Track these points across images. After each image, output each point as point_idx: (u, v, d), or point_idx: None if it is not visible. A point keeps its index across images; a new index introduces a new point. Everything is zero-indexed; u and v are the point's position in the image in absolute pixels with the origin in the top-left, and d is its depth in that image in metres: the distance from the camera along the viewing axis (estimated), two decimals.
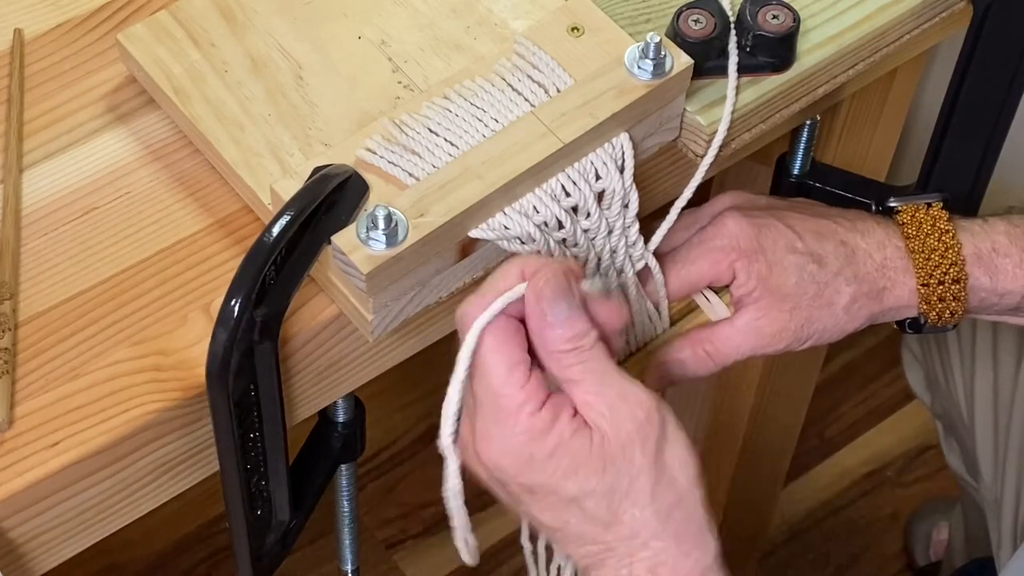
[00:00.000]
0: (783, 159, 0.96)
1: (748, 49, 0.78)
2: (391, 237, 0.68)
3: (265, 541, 0.80)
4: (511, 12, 0.80)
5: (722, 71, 0.78)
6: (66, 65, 0.81)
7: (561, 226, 0.74)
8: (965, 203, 0.95)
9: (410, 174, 0.71)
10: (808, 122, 0.93)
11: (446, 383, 0.77)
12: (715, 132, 0.78)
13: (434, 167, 0.71)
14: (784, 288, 0.80)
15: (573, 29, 0.76)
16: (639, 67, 0.74)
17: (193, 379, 0.71)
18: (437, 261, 0.72)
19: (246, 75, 0.78)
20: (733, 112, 0.78)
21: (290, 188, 0.69)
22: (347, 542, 0.98)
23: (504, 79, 0.74)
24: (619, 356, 0.82)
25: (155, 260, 0.75)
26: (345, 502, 0.95)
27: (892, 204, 0.87)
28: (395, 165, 0.71)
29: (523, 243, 0.73)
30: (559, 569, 0.78)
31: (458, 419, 0.69)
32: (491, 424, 0.67)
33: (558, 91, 0.74)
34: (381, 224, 0.68)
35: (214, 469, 0.75)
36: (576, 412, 0.67)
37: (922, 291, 0.83)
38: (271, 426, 0.73)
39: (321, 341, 0.74)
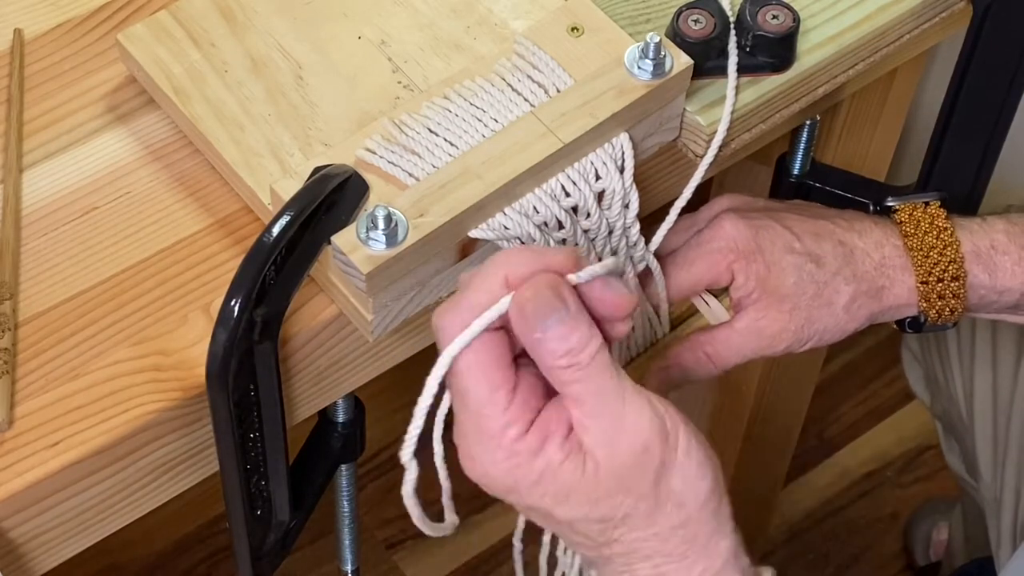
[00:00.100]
0: (783, 159, 0.96)
1: (748, 49, 0.78)
2: (391, 237, 0.68)
3: (265, 541, 0.80)
4: (511, 12, 0.80)
5: (722, 71, 0.78)
6: (66, 65, 0.81)
7: (561, 226, 0.74)
8: (965, 203, 0.95)
9: (410, 174, 0.71)
10: (808, 122, 0.93)
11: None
12: (715, 132, 0.78)
13: (434, 167, 0.71)
14: (783, 289, 0.80)
15: (573, 29, 0.76)
16: (639, 67, 0.74)
17: (193, 379, 0.71)
18: (437, 261, 0.72)
19: (246, 75, 0.78)
20: (733, 112, 0.78)
21: (290, 188, 0.69)
22: (347, 542, 0.98)
23: (504, 79, 0.74)
24: (621, 360, 0.83)
25: (155, 260, 0.75)
26: (345, 502, 0.95)
27: (890, 203, 0.87)
28: (395, 165, 0.71)
29: (523, 243, 0.73)
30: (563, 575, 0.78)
31: (417, 441, 0.66)
32: (473, 444, 0.63)
33: (558, 91, 0.74)
34: (381, 224, 0.68)
35: (214, 469, 0.75)
36: (570, 432, 0.62)
37: (921, 289, 0.83)
38: (271, 426, 0.73)
39: (321, 341, 0.74)
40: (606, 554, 0.66)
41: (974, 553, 1.38)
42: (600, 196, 0.75)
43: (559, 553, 0.78)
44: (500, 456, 0.62)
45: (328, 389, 0.77)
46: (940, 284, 0.83)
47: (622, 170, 0.75)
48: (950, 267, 0.83)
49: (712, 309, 0.83)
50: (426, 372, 0.65)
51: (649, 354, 0.83)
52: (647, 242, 0.78)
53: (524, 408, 0.62)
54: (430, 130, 0.73)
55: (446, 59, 0.79)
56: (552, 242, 0.73)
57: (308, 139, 0.76)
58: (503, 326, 0.62)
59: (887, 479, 1.74)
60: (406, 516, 0.70)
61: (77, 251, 0.75)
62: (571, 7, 0.76)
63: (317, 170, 0.70)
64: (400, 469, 0.68)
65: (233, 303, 0.65)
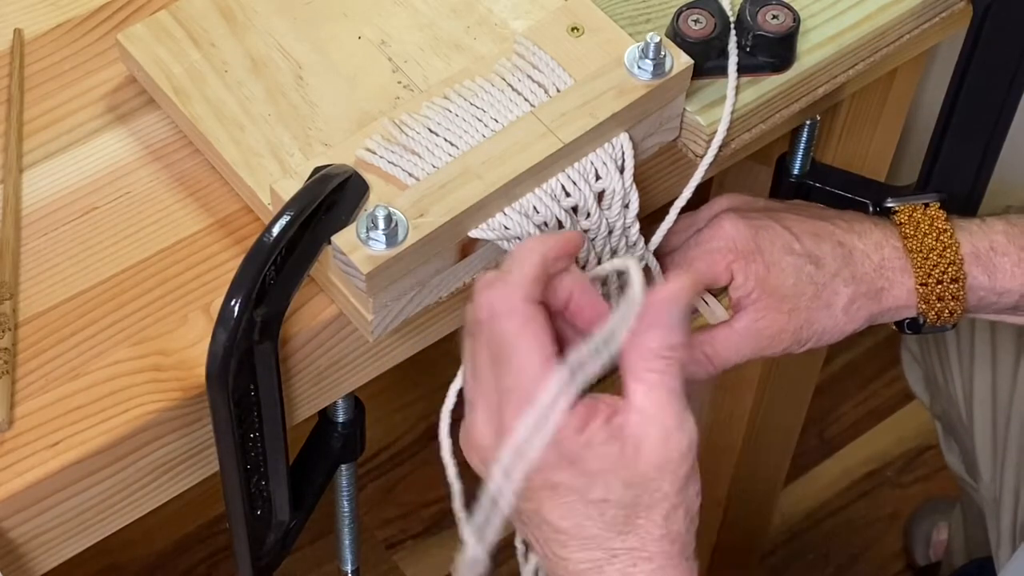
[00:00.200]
0: (783, 159, 0.96)
1: (748, 49, 0.78)
2: (391, 237, 0.68)
3: (265, 541, 0.80)
4: (511, 12, 0.80)
5: (722, 71, 0.78)
6: (66, 65, 0.81)
7: (561, 226, 0.74)
8: (965, 203, 0.95)
9: (410, 174, 0.71)
10: (808, 122, 0.93)
11: (446, 383, 0.77)
12: (715, 132, 0.78)
13: (434, 167, 0.71)
14: (782, 289, 0.80)
15: (573, 29, 0.76)
16: (639, 67, 0.74)
17: (193, 379, 0.71)
18: (437, 261, 0.72)
19: (246, 75, 0.78)
20: (733, 112, 0.78)
21: (290, 188, 0.69)
22: (347, 542, 0.98)
23: (504, 79, 0.74)
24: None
25: (155, 260, 0.75)
26: (345, 502, 0.95)
27: (889, 205, 0.87)
28: (395, 165, 0.71)
29: None
30: None
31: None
32: (511, 417, 0.64)
33: (558, 91, 0.74)
34: (381, 224, 0.68)
35: (214, 469, 0.75)
36: (609, 419, 0.65)
37: (921, 290, 0.83)
38: (271, 426, 0.73)
39: (321, 341, 0.74)
40: (616, 549, 0.67)
41: (974, 553, 1.38)
42: (600, 196, 0.75)
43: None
44: (544, 434, 0.64)
45: (328, 389, 0.77)
46: (939, 286, 0.83)
47: (622, 170, 0.75)
48: (949, 269, 0.83)
49: (711, 309, 0.83)
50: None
51: None
52: (647, 242, 0.78)
53: (571, 385, 0.65)
54: (430, 130, 0.73)
55: (446, 59, 0.79)
56: None
57: (308, 139, 0.76)
58: (543, 301, 0.66)
59: (887, 479, 1.74)
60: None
61: (77, 251, 0.75)
62: (571, 7, 0.77)
63: (317, 170, 0.70)
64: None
65: (233, 303, 0.65)
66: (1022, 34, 0.88)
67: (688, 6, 0.78)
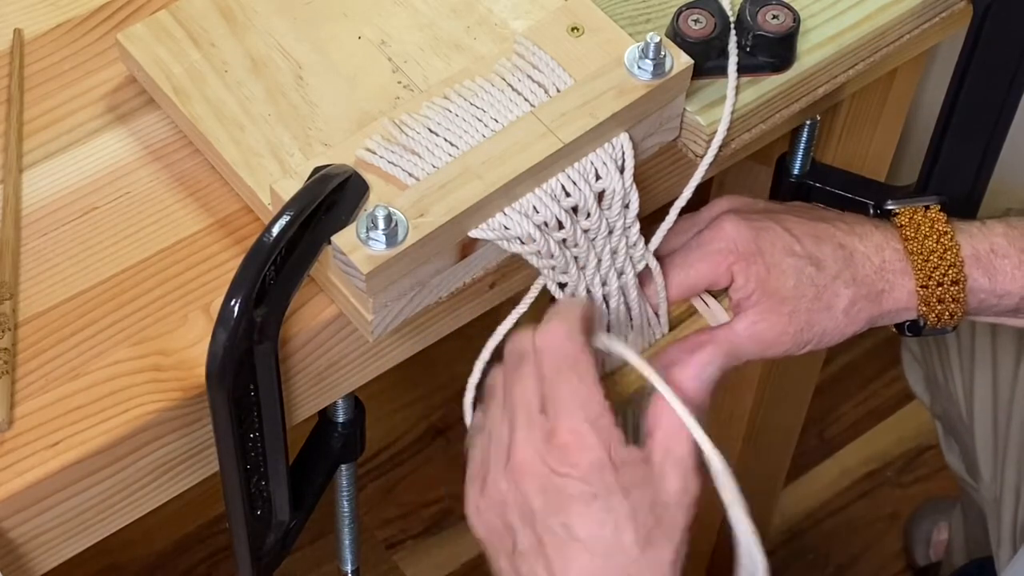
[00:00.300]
0: (783, 159, 0.96)
1: (748, 49, 0.78)
2: (391, 237, 0.68)
3: (265, 541, 0.80)
4: (511, 12, 0.80)
5: (722, 71, 0.78)
6: (66, 65, 0.81)
7: (561, 226, 0.74)
8: (965, 203, 0.95)
9: (410, 174, 0.71)
10: (808, 122, 0.93)
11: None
12: (715, 132, 0.78)
13: (434, 167, 0.71)
14: (783, 291, 0.80)
15: (573, 29, 0.76)
16: (639, 67, 0.74)
17: (193, 379, 0.71)
18: (437, 261, 0.72)
19: (246, 75, 0.78)
20: (733, 112, 0.78)
21: (290, 188, 0.69)
22: (347, 542, 0.98)
23: (504, 79, 0.74)
24: (620, 362, 0.82)
25: (155, 260, 0.75)
26: (345, 502, 0.95)
27: (890, 207, 0.87)
28: (395, 165, 0.71)
29: (523, 243, 0.73)
30: None
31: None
32: (579, 422, 0.69)
33: (558, 91, 0.74)
34: (381, 224, 0.68)
35: (214, 469, 0.75)
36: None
37: (921, 293, 0.83)
38: (271, 426, 0.73)
39: (321, 341, 0.74)
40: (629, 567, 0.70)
41: (974, 553, 1.38)
42: (600, 196, 0.75)
43: None
44: (603, 434, 0.69)
45: (328, 389, 0.77)
46: (940, 288, 0.83)
47: (622, 170, 0.75)
48: (950, 271, 0.83)
49: (711, 310, 0.83)
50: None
51: (648, 354, 0.83)
52: (647, 242, 0.78)
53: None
54: (430, 130, 0.73)
55: (446, 59, 0.79)
56: (552, 242, 0.73)
57: (308, 139, 0.76)
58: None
59: (887, 479, 1.74)
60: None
61: (77, 251, 0.75)
62: (571, 7, 0.77)
63: (317, 170, 0.70)
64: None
65: (233, 303, 0.65)
66: (1022, 34, 0.88)
67: (688, 6, 0.78)
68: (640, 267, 0.79)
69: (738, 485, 0.72)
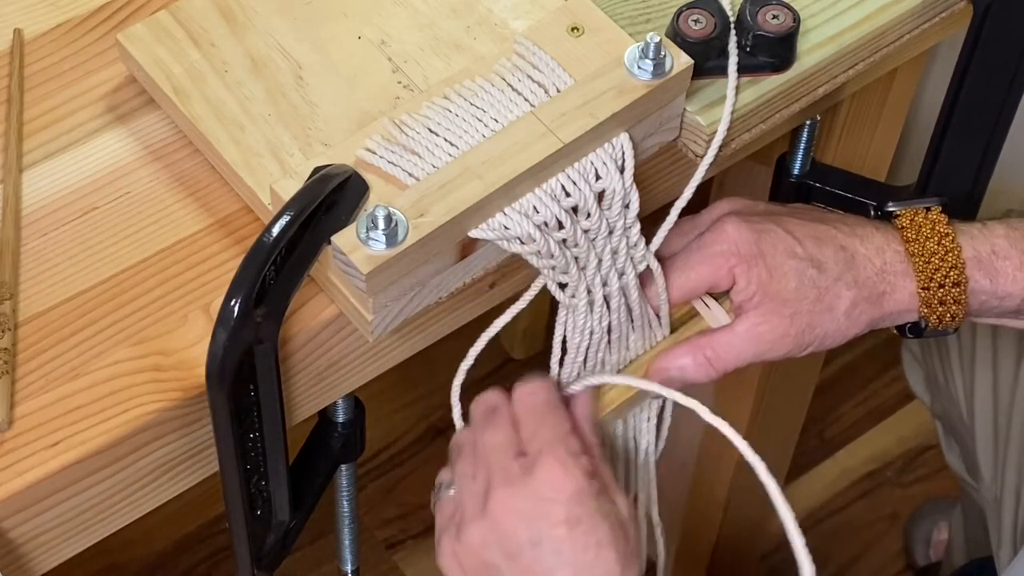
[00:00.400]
0: (783, 159, 0.96)
1: (748, 49, 0.78)
2: (391, 237, 0.68)
3: (265, 541, 0.80)
4: (511, 12, 0.80)
5: (722, 71, 0.78)
6: (66, 65, 0.81)
7: (561, 226, 0.74)
8: (965, 203, 0.95)
9: (410, 174, 0.71)
10: (808, 122, 0.93)
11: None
12: (715, 132, 0.78)
13: (434, 167, 0.71)
14: (784, 293, 0.80)
15: (573, 29, 0.76)
16: (639, 67, 0.74)
17: (193, 379, 0.71)
18: (437, 261, 0.72)
19: (246, 75, 0.78)
20: (733, 112, 0.78)
21: (290, 188, 0.69)
22: (347, 542, 0.98)
23: (504, 79, 0.74)
24: (622, 363, 0.83)
25: (155, 260, 0.75)
26: (345, 502, 0.95)
27: (891, 208, 0.87)
28: (395, 165, 0.71)
29: (523, 243, 0.73)
30: None
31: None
32: (563, 453, 0.73)
33: (558, 91, 0.74)
34: (381, 224, 0.68)
35: (214, 469, 0.75)
36: None
37: (922, 294, 0.83)
38: (271, 426, 0.73)
39: (321, 341, 0.74)
40: None
41: (974, 553, 1.38)
42: (600, 196, 0.75)
43: None
44: (581, 470, 0.73)
45: (328, 389, 0.77)
46: (941, 290, 0.83)
47: (622, 170, 0.75)
48: (951, 273, 0.83)
49: (712, 312, 0.83)
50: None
51: (649, 356, 0.83)
52: (647, 243, 0.78)
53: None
54: (430, 130, 0.73)
55: (446, 59, 0.79)
56: (552, 242, 0.73)
57: (308, 139, 0.76)
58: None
59: (887, 479, 1.74)
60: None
61: (77, 251, 0.75)
62: (571, 7, 0.76)
63: (317, 170, 0.70)
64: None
65: (233, 303, 0.65)
66: (1022, 34, 0.88)
67: (688, 6, 0.78)
68: (641, 267, 0.79)
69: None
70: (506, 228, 0.72)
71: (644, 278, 0.80)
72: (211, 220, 0.76)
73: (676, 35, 0.77)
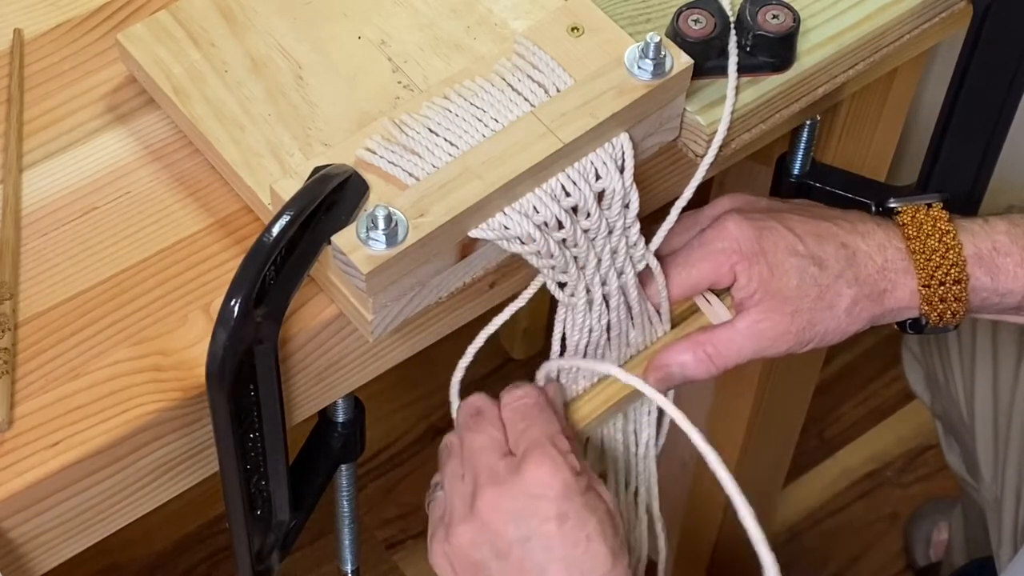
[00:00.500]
0: (783, 159, 0.96)
1: (748, 49, 0.78)
2: (391, 237, 0.68)
3: (265, 541, 0.80)
4: (511, 12, 0.80)
5: (722, 71, 0.78)
6: (66, 65, 0.81)
7: (561, 226, 0.74)
8: (965, 203, 0.95)
9: (410, 174, 0.71)
10: (808, 122, 0.93)
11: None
12: (715, 132, 0.78)
13: (434, 167, 0.71)
14: (785, 291, 0.80)
15: (573, 29, 0.76)
16: (639, 67, 0.74)
17: (193, 379, 0.71)
18: (437, 261, 0.72)
19: (246, 75, 0.78)
20: (733, 112, 0.78)
21: (290, 188, 0.69)
22: (347, 542, 0.98)
23: (504, 79, 0.74)
24: (622, 359, 0.83)
25: (155, 260, 0.75)
26: (345, 502, 0.95)
27: (892, 205, 0.87)
28: (395, 165, 0.71)
29: (523, 243, 0.73)
30: None
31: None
32: (552, 451, 0.74)
33: (558, 91, 0.74)
34: (381, 224, 0.68)
35: (214, 469, 0.75)
36: None
37: (923, 292, 0.83)
38: (271, 426, 0.73)
39: (321, 341, 0.74)
40: None
41: (974, 553, 1.38)
42: (600, 196, 0.75)
43: None
44: (569, 466, 0.74)
45: (328, 389, 0.77)
46: (942, 287, 0.83)
47: (622, 170, 0.75)
48: (952, 270, 0.83)
49: (713, 308, 0.83)
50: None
51: (649, 352, 0.83)
52: (648, 242, 0.78)
53: None
54: (430, 130, 0.73)
55: (446, 59, 0.79)
56: (552, 242, 0.73)
57: (308, 139, 0.76)
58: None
59: (887, 479, 1.74)
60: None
61: (77, 251, 0.75)
62: (571, 7, 0.76)
63: (317, 170, 0.70)
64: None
65: (233, 303, 0.65)
66: (1022, 34, 0.88)
67: (688, 6, 0.78)
68: (640, 267, 0.79)
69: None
70: (506, 228, 0.72)
71: (644, 276, 0.80)
72: (211, 220, 0.76)
73: (676, 35, 0.77)
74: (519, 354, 1.72)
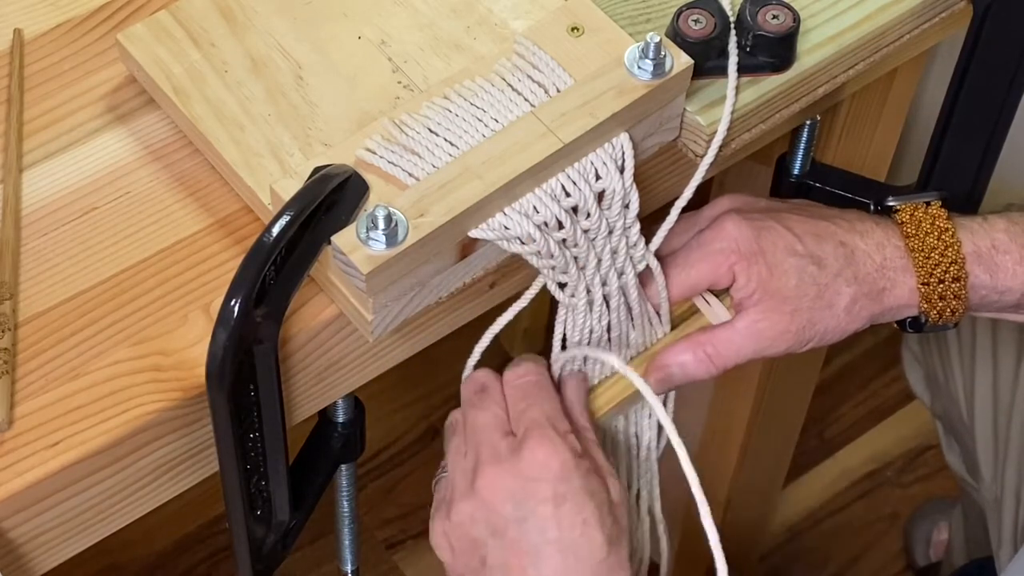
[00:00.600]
0: (783, 159, 0.96)
1: (748, 49, 0.78)
2: (391, 237, 0.68)
3: (265, 541, 0.80)
4: (511, 12, 0.80)
5: (722, 71, 0.78)
6: (66, 65, 0.81)
7: (561, 226, 0.74)
8: (965, 203, 0.95)
9: (410, 174, 0.71)
10: (808, 122, 0.93)
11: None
12: (715, 132, 0.78)
13: (434, 167, 0.71)
14: (784, 291, 0.80)
15: (573, 29, 0.76)
16: (639, 67, 0.74)
17: (193, 379, 0.71)
18: (437, 261, 0.72)
19: (246, 75, 0.78)
20: (733, 112, 0.78)
21: (290, 188, 0.69)
22: (347, 542, 0.98)
23: (504, 79, 0.74)
24: (622, 360, 0.83)
25: (155, 260, 0.75)
26: (345, 502, 0.95)
27: (891, 203, 0.87)
28: (395, 165, 0.71)
29: (523, 243, 0.73)
30: None
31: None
32: (551, 432, 0.74)
33: (558, 91, 0.74)
34: (381, 224, 0.68)
35: (214, 469, 0.75)
36: None
37: (922, 290, 0.83)
38: (271, 426, 0.73)
39: (321, 341, 0.74)
40: None
41: (974, 553, 1.38)
42: (600, 196, 0.75)
43: None
44: (568, 445, 0.74)
45: (328, 389, 0.77)
46: (941, 285, 0.83)
47: (622, 170, 0.75)
48: (951, 268, 0.83)
49: (713, 308, 0.83)
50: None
51: (649, 353, 0.83)
52: (647, 242, 0.78)
53: None
54: (430, 130, 0.73)
55: (446, 59, 0.79)
56: (552, 242, 0.73)
57: (308, 139, 0.76)
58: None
59: (887, 479, 1.74)
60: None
61: (77, 251, 0.75)
62: (571, 7, 0.76)
63: (317, 170, 0.70)
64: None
65: (233, 303, 0.65)
66: (1022, 34, 0.88)
67: (688, 6, 0.78)
68: (640, 267, 0.79)
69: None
70: (506, 228, 0.72)
71: (644, 277, 0.80)
72: (211, 220, 0.76)
73: (676, 35, 0.77)
74: (519, 354, 1.72)
